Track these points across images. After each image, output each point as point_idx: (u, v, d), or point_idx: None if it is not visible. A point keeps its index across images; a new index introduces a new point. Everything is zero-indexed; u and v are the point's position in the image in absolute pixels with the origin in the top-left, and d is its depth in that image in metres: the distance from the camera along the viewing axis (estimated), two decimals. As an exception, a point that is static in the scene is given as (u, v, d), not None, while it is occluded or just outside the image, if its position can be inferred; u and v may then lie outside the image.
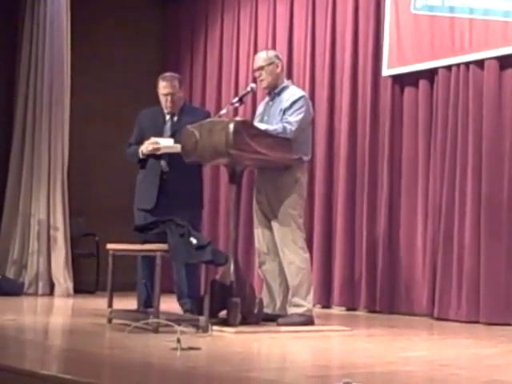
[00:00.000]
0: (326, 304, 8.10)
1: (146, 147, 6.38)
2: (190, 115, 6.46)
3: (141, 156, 6.45)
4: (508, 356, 4.88)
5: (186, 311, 6.34)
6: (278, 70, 6.20)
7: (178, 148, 6.17)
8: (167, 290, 6.57)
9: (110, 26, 10.16)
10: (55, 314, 7.57)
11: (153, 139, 6.37)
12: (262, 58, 6.24)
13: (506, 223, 6.78)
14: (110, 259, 5.75)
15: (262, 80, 6.20)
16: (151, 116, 6.65)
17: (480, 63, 7.04)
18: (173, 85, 6.52)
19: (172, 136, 6.43)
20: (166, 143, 6.34)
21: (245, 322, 5.64)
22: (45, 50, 9.24)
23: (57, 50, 9.26)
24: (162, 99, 6.53)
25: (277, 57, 6.26)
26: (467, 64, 7.13)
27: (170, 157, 6.35)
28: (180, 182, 6.35)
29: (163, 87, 6.51)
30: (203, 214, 9.49)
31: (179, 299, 6.50)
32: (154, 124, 6.56)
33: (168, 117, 6.54)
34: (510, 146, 6.83)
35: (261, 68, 6.18)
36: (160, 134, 6.46)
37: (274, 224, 6.01)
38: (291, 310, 5.97)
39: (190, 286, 6.41)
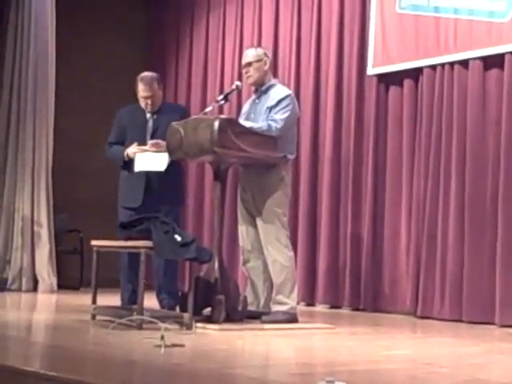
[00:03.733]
0: (310, 302, 8.12)
1: (134, 151, 6.39)
2: (169, 112, 6.50)
3: (126, 158, 6.45)
4: (490, 355, 4.91)
5: (163, 307, 6.36)
6: (266, 67, 6.19)
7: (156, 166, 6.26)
8: (152, 287, 6.56)
9: (95, 23, 10.14)
10: (39, 310, 7.55)
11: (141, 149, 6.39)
12: (250, 54, 6.24)
13: (489, 222, 6.81)
14: (95, 255, 5.74)
15: (249, 76, 6.19)
16: (131, 114, 6.63)
17: (464, 63, 7.07)
18: (152, 88, 6.51)
19: (154, 134, 6.45)
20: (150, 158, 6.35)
21: (229, 319, 5.64)
22: (29, 47, 9.20)
23: (41, 47, 9.22)
24: (142, 101, 6.53)
25: (265, 54, 6.26)
26: (452, 64, 7.16)
27: None
28: (162, 179, 6.37)
29: (142, 90, 6.50)
30: (187, 212, 9.60)
31: (158, 294, 6.52)
32: (135, 122, 6.56)
33: (149, 115, 6.55)
34: (494, 146, 6.86)
35: (249, 64, 6.18)
36: (142, 132, 6.47)
37: (259, 222, 6.02)
38: (275, 308, 5.97)
39: (169, 282, 6.44)
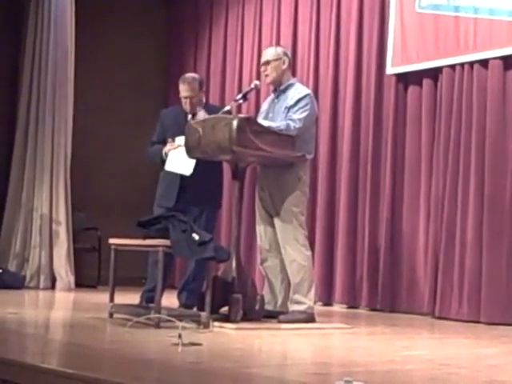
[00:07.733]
0: (328, 301, 8.11)
1: (169, 148, 6.40)
2: (210, 113, 6.45)
3: (164, 157, 6.45)
4: (509, 356, 4.88)
5: (182, 304, 6.36)
6: (284, 66, 6.18)
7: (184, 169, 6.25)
8: (169, 285, 6.56)
9: (113, 21, 10.16)
10: (56, 307, 7.58)
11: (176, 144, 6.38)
12: (269, 53, 6.24)
13: (508, 222, 6.78)
14: (112, 254, 5.75)
15: (266, 75, 6.19)
16: (173, 115, 6.68)
17: (484, 63, 7.04)
18: (191, 88, 6.50)
19: None
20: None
21: (246, 318, 5.64)
22: (49, 44, 9.25)
23: (60, 45, 9.27)
24: (182, 101, 6.55)
25: (285, 54, 6.25)
26: (471, 63, 7.13)
27: None
28: (200, 180, 6.33)
29: (182, 90, 6.52)
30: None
31: (179, 293, 6.52)
32: (175, 123, 6.56)
33: (190, 116, 6.54)
34: (514, 146, 6.83)
35: (267, 63, 6.17)
36: (182, 133, 6.44)
37: (276, 221, 6.01)
38: (292, 307, 5.97)
39: (196, 284, 6.41)
